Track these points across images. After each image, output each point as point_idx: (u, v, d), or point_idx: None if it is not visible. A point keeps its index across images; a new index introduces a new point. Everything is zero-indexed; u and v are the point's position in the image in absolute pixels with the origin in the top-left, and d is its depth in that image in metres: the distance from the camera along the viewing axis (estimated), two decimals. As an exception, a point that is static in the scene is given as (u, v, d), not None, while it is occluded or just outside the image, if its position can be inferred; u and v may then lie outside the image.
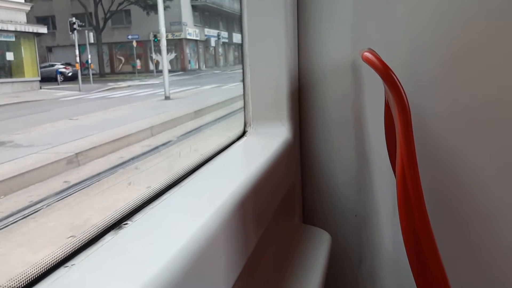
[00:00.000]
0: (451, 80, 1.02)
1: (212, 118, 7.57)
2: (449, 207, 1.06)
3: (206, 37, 27.96)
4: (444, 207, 1.06)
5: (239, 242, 0.69)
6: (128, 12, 23.01)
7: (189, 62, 26.50)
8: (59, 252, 0.50)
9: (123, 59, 24.03)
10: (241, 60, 1.07)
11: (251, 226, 0.76)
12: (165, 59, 12.84)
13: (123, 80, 18.43)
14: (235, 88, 10.72)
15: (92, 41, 19.62)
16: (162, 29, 12.01)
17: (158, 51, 23.12)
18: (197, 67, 27.13)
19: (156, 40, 20.27)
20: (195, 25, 26.79)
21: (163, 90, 10.91)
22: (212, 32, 28.70)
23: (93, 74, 19.54)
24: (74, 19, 14.54)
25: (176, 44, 24.57)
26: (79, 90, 12.52)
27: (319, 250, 1.00)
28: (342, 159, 1.13)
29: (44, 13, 18.59)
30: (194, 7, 27.06)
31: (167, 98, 10.76)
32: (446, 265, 0.74)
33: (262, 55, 1.05)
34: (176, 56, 24.63)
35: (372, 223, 1.13)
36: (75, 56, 16.27)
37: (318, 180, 1.15)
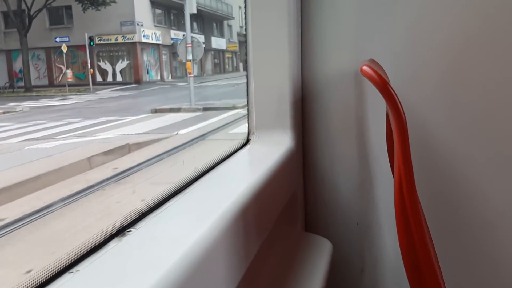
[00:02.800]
0: (452, 90, 1.03)
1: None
2: (449, 215, 1.07)
3: (172, 41, 21.95)
4: (444, 215, 1.07)
5: (240, 249, 0.70)
6: (69, 9, 18.10)
7: (147, 71, 20.95)
8: (64, 257, 0.52)
9: (63, 67, 18.79)
10: (245, 69, 1.09)
11: (252, 233, 0.77)
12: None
13: (45, 96, 13.92)
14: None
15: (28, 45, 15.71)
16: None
17: (108, 58, 19.06)
18: (158, 77, 21.63)
19: (92, 44, 17.15)
20: (156, 26, 21.29)
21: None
22: (182, 34, 22.89)
23: (18, 87, 16.05)
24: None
25: (129, 50, 19.69)
26: None
27: (320, 258, 1.01)
28: (344, 168, 1.14)
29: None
30: (154, 3, 21.07)
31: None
32: (445, 273, 0.74)
33: (266, 65, 1.07)
34: (129, 65, 19.72)
35: (374, 231, 1.14)
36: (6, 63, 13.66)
37: (320, 189, 1.16)
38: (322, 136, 1.14)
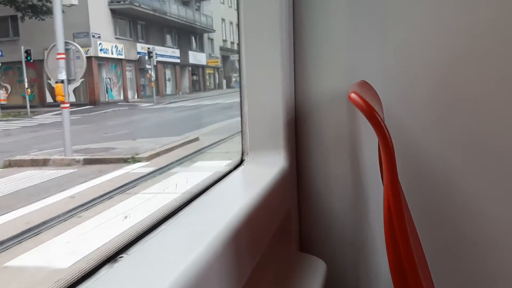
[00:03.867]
0: (443, 108, 1.05)
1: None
2: (443, 233, 1.08)
3: (139, 56, 19.45)
4: (437, 234, 1.08)
5: (233, 272, 0.70)
6: (14, 19, 15.47)
7: (107, 90, 17.99)
8: (56, 286, 0.51)
9: (9, 86, 15.99)
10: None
11: (246, 256, 0.77)
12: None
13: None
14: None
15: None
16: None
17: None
18: (121, 97, 18.75)
19: (29, 59, 13.93)
20: (118, 38, 18.58)
21: None
22: (152, 48, 19.96)
23: None
24: None
25: None
26: None
27: (315, 279, 1.01)
28: (338, 188, 1.14)
29: None
30: (116, 13, 18.28)
31: None
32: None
33: (259, 86, 1.08)
34: (83, 83, 15.91)
35: (368, 251, 1.14)
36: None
37: (314, 209, 1.16)
38: (316, 156, 1.15)
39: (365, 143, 1.12)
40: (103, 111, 15.17)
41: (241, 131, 1.10)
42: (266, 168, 1.03)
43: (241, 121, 1.10)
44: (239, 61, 1.10)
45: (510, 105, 1.01)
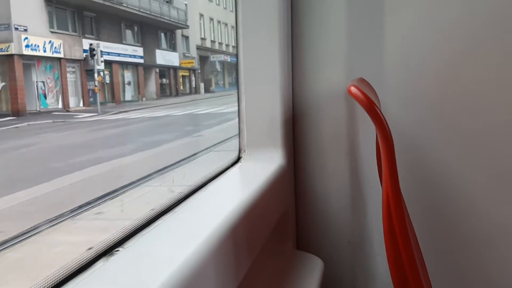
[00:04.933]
0: (441, 107, 1.05)
1: None
2: (440, 234, 1.08)
3: (85, 54, 15.52)
4: (436, 234, 1.08)
5: (230, 268, 0.70)
6: None
7: (39, 97, 14.02)
8: (47, 280, 0.50)
9: None
10: (236, 86, 1.09)
11: (243, 252, 0.77)
12: None
13: None
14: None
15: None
16: None
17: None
18: (59, 105, 14.80)
19: None
20: (54, 32, 14.66)
21: None
22: (106, 45, 16.35)
23: None
24: None
25: (3, 66, 12.93)
26: None
27: (312, 276, 1.01)
28: (335, 186, 1.14)
29: None
30: (51, 0, 14.41)
31: None
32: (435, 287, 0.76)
33: (257, 83, 1.08)
34: (4, 87, 12.80)
35: (365, 249, 1.14)
36: None
37: (311, 206, 1.16)
38: (313, 154, 1.15)
39: (362, 141, 1.12)
40: (12, 126, 11.24)
41: (239, 128, 1.10)
42: (264, 165, 1.03)
43: (239, 118, 1.10)
44: (236, 57, 1.09)
45: (509, 103, 1.01)
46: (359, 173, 1.14)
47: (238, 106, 1.09)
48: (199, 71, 25.08)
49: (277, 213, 1.04)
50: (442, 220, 1.08)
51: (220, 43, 26.83)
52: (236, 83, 1.10)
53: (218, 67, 27.15)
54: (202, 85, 25.18)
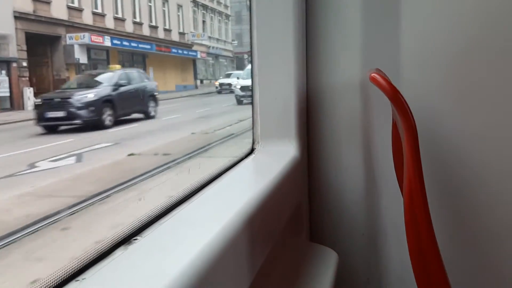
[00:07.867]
0: (460, 98, 1.03)
1: None
2: (459, 226, 1.06)
3: None
4: (454, 226, 1.06)
5: (246, 259, 0.70)
6: None
7: None
8: (69, 266, 0.51)
9: None
10: (251, 78, 1.10)
11: (258, 243, 0.76)
12: None
13: None
14: None
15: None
16: None
17: None
18: None
19: None
20: None
21: None
22: None
23: None
24: None
25: None
26: None
27: (326, 269, 1.00)
28: (349, 178, 1.13)
29: None
30: None
31: None
32: (453, 283, 0.73)
33: (271, 74, 1.07)
34: None
35: (379, 242, 1.13)
36: None
37: (325, 199, 1.16)
38: (327, 146, 1.14)
39: (377, 133, 1.10)
40: None
41: (252, 120, 1.09)
42: (277, 157, 1.02)
43: (252, 110, 1.09)
44: (251, 48, 1.09)
45: None
46: (373, 165, 1.12)
47: (252, 97, 1.09)
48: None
49: (291, 205, 1.03)
50: (461, 209, 1.06)
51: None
52: (251, 75, 1.10)
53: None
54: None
